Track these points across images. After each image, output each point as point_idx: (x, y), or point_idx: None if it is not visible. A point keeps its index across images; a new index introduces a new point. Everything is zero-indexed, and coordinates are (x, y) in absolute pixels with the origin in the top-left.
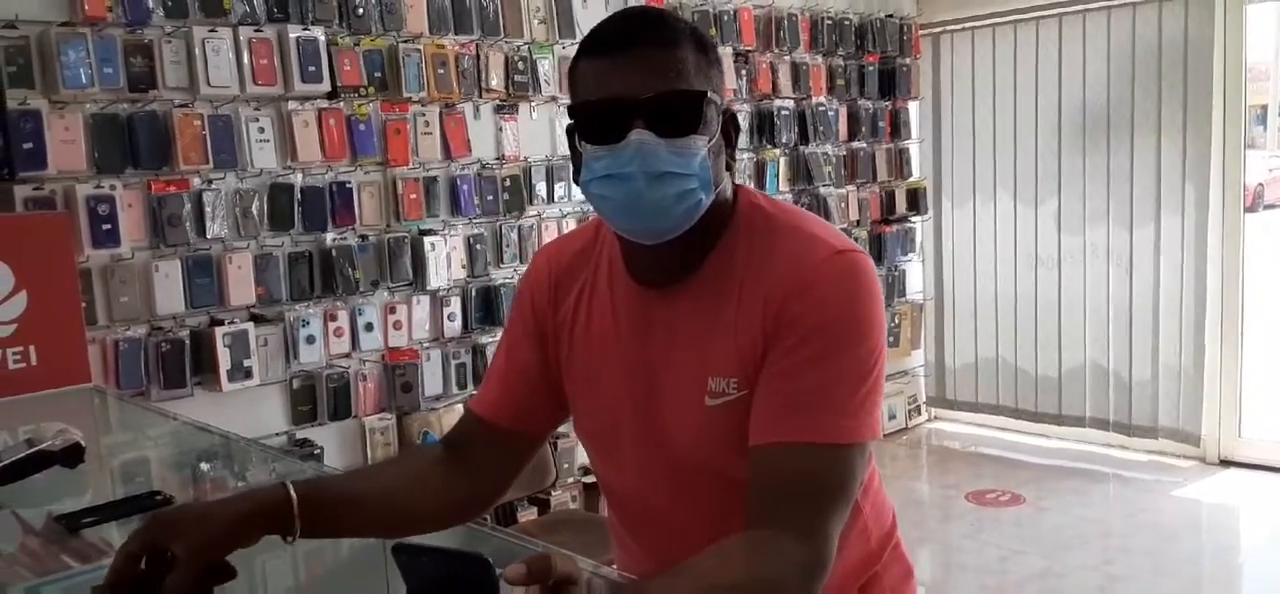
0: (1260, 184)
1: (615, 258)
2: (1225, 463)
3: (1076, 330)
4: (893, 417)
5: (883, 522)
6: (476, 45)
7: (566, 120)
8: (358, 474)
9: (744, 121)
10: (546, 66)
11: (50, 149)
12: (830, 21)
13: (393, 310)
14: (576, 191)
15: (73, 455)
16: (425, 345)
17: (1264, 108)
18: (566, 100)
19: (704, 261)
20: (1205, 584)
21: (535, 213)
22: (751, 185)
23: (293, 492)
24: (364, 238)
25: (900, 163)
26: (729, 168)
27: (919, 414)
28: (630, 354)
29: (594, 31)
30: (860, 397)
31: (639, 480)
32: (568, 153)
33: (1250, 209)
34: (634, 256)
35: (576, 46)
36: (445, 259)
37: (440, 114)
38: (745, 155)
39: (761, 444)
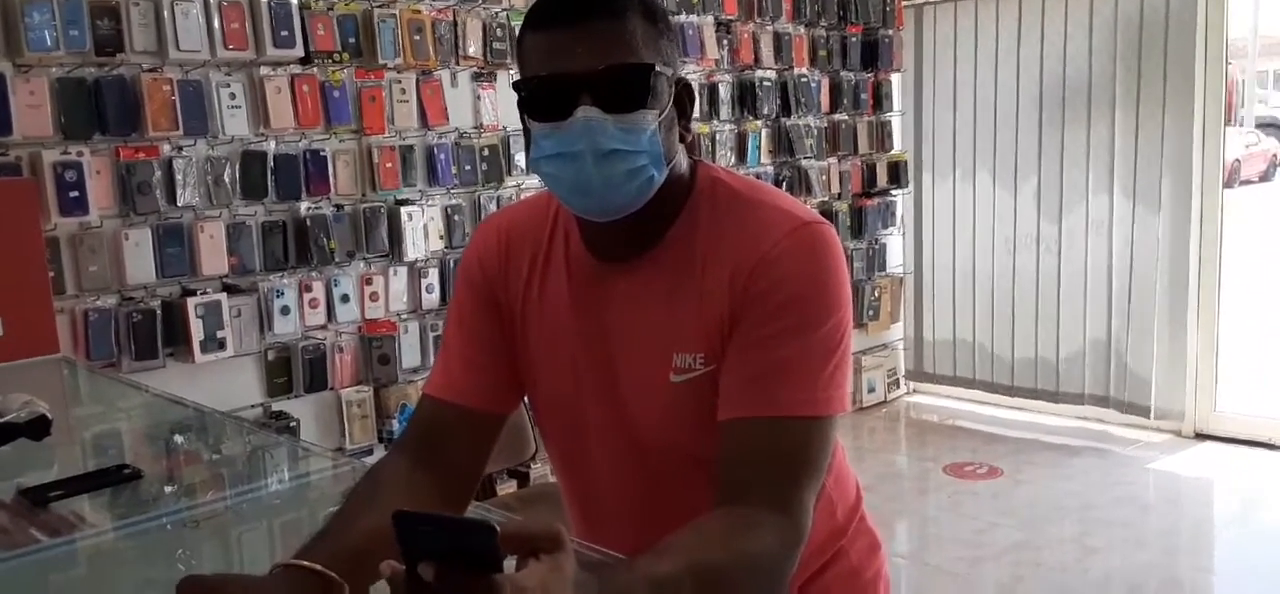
0: (1236, 160)
1: (571, 229)
2: (1201, 436)
3: (1055, 305)
4: (871, 389)
5: (847, 496)
6: (454, 11)
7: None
8: (357, 523)
9: (726, 92)
10: None
11: (15, 114)
12: None
13: (369, 281)
14: None
15: (39, 428)
16: (402, 317)
17: (1242, 84)
18: None
19: (663, 235)
20: (1181, 556)
21: (514, 183)
22: (732, 157)
23: (323, 571)
24: (339, 207)
25: (882, 135)
26: (684, 140)
27: (898, 387)
28: (589, 328)
29: (539, 2)
30: (829, 369)
31: (605, 469)
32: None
33: (1227, 185)
34: (589, 230)
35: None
36: (422, 230)
37: (417, 81)
38: (727, 127)
39: (732, 418)
